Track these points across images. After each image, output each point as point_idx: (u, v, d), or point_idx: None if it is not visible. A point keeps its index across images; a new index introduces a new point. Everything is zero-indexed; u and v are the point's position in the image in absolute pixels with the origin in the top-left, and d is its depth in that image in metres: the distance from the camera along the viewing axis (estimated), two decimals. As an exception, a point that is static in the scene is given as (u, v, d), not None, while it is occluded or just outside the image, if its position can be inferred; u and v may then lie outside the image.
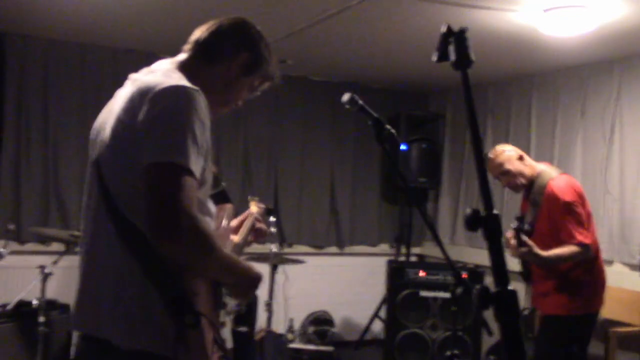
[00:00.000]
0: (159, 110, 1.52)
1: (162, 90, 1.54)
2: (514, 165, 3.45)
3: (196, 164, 1.50)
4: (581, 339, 3.47)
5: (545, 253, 3.25)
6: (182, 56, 1.77)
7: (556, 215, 3.33)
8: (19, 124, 4.95)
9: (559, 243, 3.31)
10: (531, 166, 3.50)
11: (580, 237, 3.27)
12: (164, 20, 4.23)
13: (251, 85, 1.84)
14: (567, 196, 3.32)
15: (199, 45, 1.75)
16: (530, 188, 3.48)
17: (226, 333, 4.64)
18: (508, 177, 3.48)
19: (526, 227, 3.38)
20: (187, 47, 1.78)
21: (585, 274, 3.40)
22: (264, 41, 1.83)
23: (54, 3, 4.08)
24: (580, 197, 3.39)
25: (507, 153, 3.50)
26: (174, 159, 1.47)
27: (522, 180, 3.47)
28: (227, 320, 1.80)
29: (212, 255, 1.53)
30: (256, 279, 1.72)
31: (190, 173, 1.48)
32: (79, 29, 4.71)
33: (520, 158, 3.49)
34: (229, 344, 4.79)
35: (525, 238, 3.25)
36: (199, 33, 1.78)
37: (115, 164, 1.58)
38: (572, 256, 3.29)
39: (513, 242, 3.25)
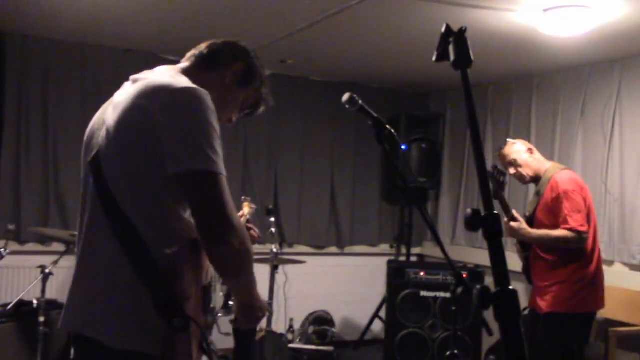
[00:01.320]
0: (183, 114, 1.55)
1: (179, 90, 1.57)
2: (520, 157, 3.61)
3: (223, 165, 1.57)
4: (581, 338, 3.50)
5: (534, 231, 3.44)
6: (183, 64, 1.82)
7: (555, 204, 3.44)
8: (19, 124, 4.95)
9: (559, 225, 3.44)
10: (539, 160, 3.65)
11: (573, 223, 3.36)
12: (164, 20, 4.23)
13: (245, 100, 1.88)
14: (567, 185, 3.46)
15: (197, 56, 1.82)
16: (538, 182, 3.61)
17: (224, 333, 4.64)
18: (514, 167, 3.62)
19: (526, 213, 3.55)
20: (185, 59, 1.84)
21: (585, 272, 3.43)
22: (259, 61, 1.89)
23: (54, 3, 4.08)
24: (581, 190, 3.50)
25: (516, 146, 3.68)
26: (214, 167, 1.53)
27: (528, 172, 3.60)
28: (222, 320, 1.84)
29: (251, 261, 1.64)
30: (264, 310, 1.84)
31: (224, 175, 1.56)
32: (79, 29, 4.71)
33: (529, 151, 3.65)
34: (229, 344, 4.80)
35: (516, 214, 3.47)
36: (197, 49, 1.85)
37: (121, 160, 1.58)
38: (561, 239, 3.38)
39: (505, 219, 3.45)
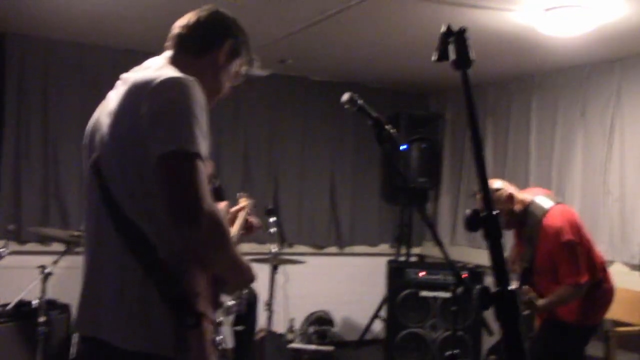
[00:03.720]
0: (161, 102, 1.54)
1: (161, 82, 1.56)
2: (503, 206, 3.37)
3: (203, 149, 1.53)
4: (580, 349, 3.50)
5: (541, 302, 3.27)
6: (169, 52, 1.79)
7: (554, 253, 3.31)
8: (19, 124, 4.95)
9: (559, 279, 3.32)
10: (521, 201, 3.43)
11: (574, 279, 3.26)
12: (164, 20, 4.21)
13: (235, 72, 1.88)
14: (564, 235, 3.27)
15: (183, 40, 1.79)
16: (522, 224, 3.42)
17: (226, 333, 4.65)
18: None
19: (524, 265, 3.36)
20: (170, 43, 1.81)
21: (594, 287, 3.38)
22: (239, 26, 1.87)
23: (54, 3, 4.08)
24: (577, 231, 3.34)
25: (496, 194, 3.40)
26: (187, 147, 1.49)
27: (512, 219, 3.40)
28: (226, 320, 1.81)
29: (227, 242, 1.56)
30: (251, 279, 1.75)
31: (201, 158, 1.51)
32: (79, 29, 4.71)
33: (510, 198, 3.40)
34: (229, 343, 4.80)
35: (531, 294, 3.27)
36: (178, 29, 1.82)
37: (118, 163, 1.58)
38: (566, 297, 3.29)
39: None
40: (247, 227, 2.10)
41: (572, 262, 3.27)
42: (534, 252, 3.37)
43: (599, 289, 3.41)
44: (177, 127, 1.51)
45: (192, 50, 1.78)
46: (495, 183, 3.47)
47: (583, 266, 3.30)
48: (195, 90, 1.56)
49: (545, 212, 3.35)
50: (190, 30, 1.80)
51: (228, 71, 1.84)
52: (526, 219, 3.39)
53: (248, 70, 1.94)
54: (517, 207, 3.40)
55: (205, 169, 1.52)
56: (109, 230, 1.58)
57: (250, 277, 1.73)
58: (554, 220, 3.32)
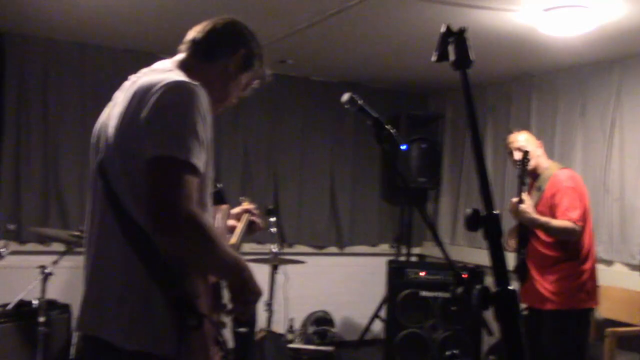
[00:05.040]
0: (161, 105, 1.54)
1: (163, 86, 1.56)
2: (531, 147, 3.68)
3: (199, 158, 1.52)
4: (586, 333, 3.63)
5: (537, 215, 3.53)
6: (181, 56, 1.80)
7: (555, 198, 3.56)
8: (19, 124, 4.95)
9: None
10: (542, 158, 3.76)
11: (572, 216, 3.49)
12: (164, 20, 4.23)
13: (247, 82, 1.88)
14: (569, 182, 3.61)
15: (197, 44, 1.79)
16: (537, 177, 3.72)
17: (227, 333, 4.65)
18: (521, 153, 3.68)
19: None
20: (184, 47, 1.81)
21: (584, 268, 3.57)
22: (255, 39, 1.87)
23: (54, 3, 4.08)
24: (581, 188, 3.65)
25: (529, 135, 3.79)
26: (176, 153, 1.48)
27: (531, 163, 3.68)
28: (228, 320, 1.80)
29: (213, 248, 1.53)
30: (257, 291, 1.69)
31: (191, 167, 1.50)
32: (79, 29, 4.71)
33: (540, 146, 3.76)
34: (230, 344, 4.80)
35: (525, 196, 3.55)
36: (194, 33, 1.82)
37: (121, 164, 1.58)
38: (560, 228, 3.49)
39: (515, 199, 3.55)
40: (251, 228, 2.10)
41: (571, 201, 3.53)
42: (540, 199, 3.64)
43: (587, 263, 3.58)
44: (170, 132, 1.50)
45: (204, 55, 1.78)
46: (526, 132, 3.85)
47: (581, 213, 3.53)
48: (197, 95, 1.56)
49: (558, 169, 3.73)
50: (205, 35, 1.79)
51: (238, 81, 1.83)
52: (541, 173, 3.72)
53: (258, 85, 1.93)
54: (539, 158, 3.72)
55: (195, 179, 1.50)
56: (113, 230, 1.58)
57: (255, 288, 1.67)
58: (565, 173, 3.69)
